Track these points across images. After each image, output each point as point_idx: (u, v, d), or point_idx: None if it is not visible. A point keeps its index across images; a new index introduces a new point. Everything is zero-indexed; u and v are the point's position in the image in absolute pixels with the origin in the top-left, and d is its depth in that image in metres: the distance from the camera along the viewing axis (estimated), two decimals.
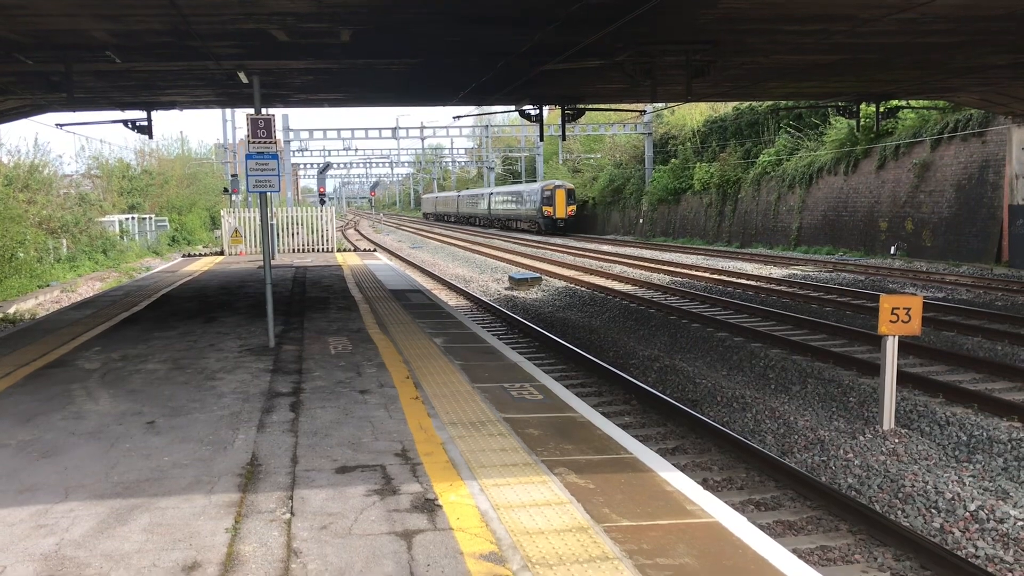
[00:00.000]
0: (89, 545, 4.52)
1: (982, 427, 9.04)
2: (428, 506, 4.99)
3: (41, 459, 6.02)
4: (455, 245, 43.63)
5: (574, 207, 52.80)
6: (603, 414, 7.87)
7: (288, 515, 4.90)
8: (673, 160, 45.94)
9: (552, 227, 52.16)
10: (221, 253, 29.13)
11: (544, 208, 52.39)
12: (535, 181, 62.64)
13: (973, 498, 7.24)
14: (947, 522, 6.94)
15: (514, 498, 5.09)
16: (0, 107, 17.30)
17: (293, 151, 60.88)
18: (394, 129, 58.16)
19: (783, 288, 20.52)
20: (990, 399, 9.79)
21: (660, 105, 40.07)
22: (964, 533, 6.75)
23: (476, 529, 4.64)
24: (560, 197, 52.01)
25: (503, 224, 62.26)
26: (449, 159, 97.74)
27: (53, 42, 11.25)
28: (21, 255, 25.92)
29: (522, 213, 56.98)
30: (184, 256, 30.92)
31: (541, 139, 22.08)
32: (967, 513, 7.01)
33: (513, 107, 20.21)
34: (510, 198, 60.28)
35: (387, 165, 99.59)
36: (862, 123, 23.57)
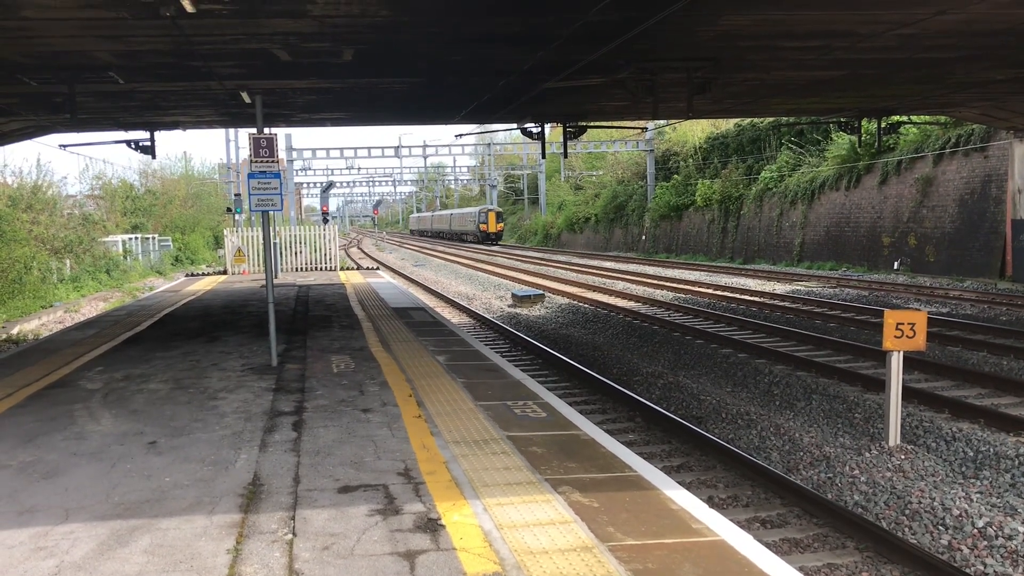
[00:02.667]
0: (89, 567, 4.49)
1: (989, 443, 8.98)
2: (431, 526, 4.95)
3: (42, 480, 5.99)
4: (458, 263, 43.65)
5: (502, 224, 71.49)
6: (607, 432, 7.83)
7: (290, 536, 4.86)
8: (675, 176, 46.00)
9: (486, 238, 69.84)
10: (224, 272, 29.16)
11: (480, 225, 70.29)
12: (474, 206, 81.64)
13: (981, 514, 7.17)
14: (955, 539, 6.88)
15: (518, 517, 5.05)
16: (4, 128, 17.39)
17: (296, 170, 61.13)
18: (397, 148, 58.48)
19: (787, 304, 20.48)
20: (996, 414, 9.73)
21: (662, 122, 40.23)
22: (973, 550, 6.69)
23: (480, 549, 4.60)
24: (492, 217, 70.37)
25: (458, 237, 79.68)
26: (452, 177, 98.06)
27: (56, 63, 11.30)
28: (35, 273, 26.02)
29: (468, 229, 74.77)
30: (187, 276, 30.94)
31: (543, 157, 22.17)
32: (975, 530, 6.94)
33: (515, 125, 20.30)
34: (461, 218, 79.44)
35: (390, 183, 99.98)
36: (864, 139, 23.65)
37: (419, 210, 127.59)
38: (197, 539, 4.83)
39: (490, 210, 71.31)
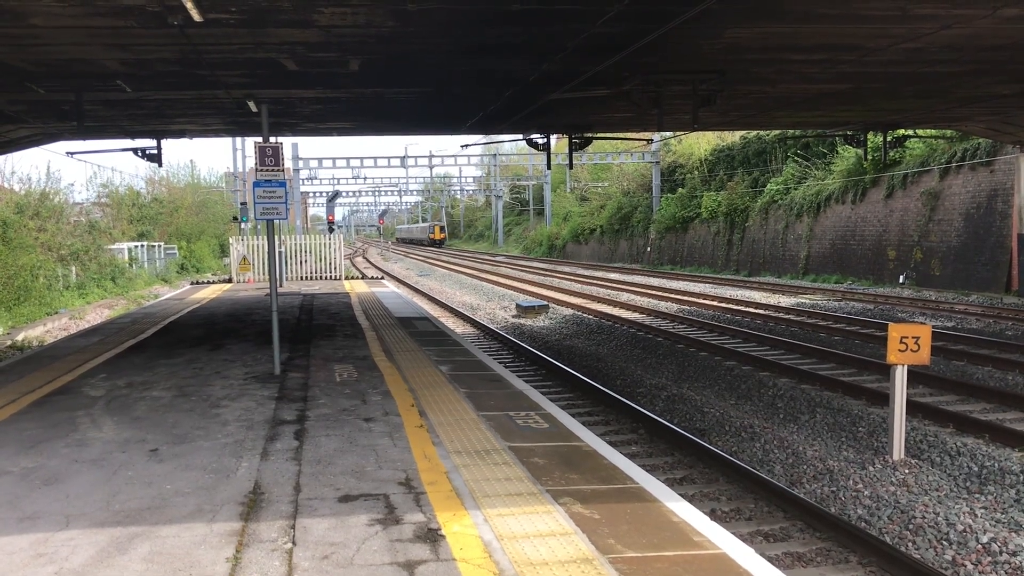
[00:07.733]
0: (88, 574, 4.48)
1: (993, 458, 8.93)
2: (431, 536, 4.93)
3: (43, 486, 5.99)
4: (463, 273, 43.68)
5: (444, 234, 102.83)
6: (609, 443, 7.81)
7: (290, 544, 4.85)
8: (680, 189, 46.00)
9: (432, 244, 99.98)
10: (229, 281, 29.21)
11: (430, 235, 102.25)
12: (426, 222, 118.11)
13: (985, 530, 7.13)
14: (959, 554, 6.83)
15: (518, 528, 5.03)
16: (12, 135, 17.47)
17: (303, 179, 61.24)
18: (403, 158, 58.58)
19: (791, 317, 20.44)
20: (1001, 429, 9.68)
21: (667, 134, 40.23)
22: (976, 566, 6.64)
23: (479, 560, 4.58)
24: (436, 229, 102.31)
25: (418, 242, 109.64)
26: (458, 188, 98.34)
27: (64, 71, 11.35)
28: (41, 280, 26.09)
29: (423, 237, 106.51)
30: (192, 284, 30.99)
31: (548, 167, 22.18)
32: (979, 545, 6.90)
33: (521, 136, 20.30)
34: (420, 229, 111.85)
35: (396, 194, 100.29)
36: (870, 152, 23.62)
37: (424, 220, 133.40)
38: (197, 547, 4.82)
39: (436, 224, 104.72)
